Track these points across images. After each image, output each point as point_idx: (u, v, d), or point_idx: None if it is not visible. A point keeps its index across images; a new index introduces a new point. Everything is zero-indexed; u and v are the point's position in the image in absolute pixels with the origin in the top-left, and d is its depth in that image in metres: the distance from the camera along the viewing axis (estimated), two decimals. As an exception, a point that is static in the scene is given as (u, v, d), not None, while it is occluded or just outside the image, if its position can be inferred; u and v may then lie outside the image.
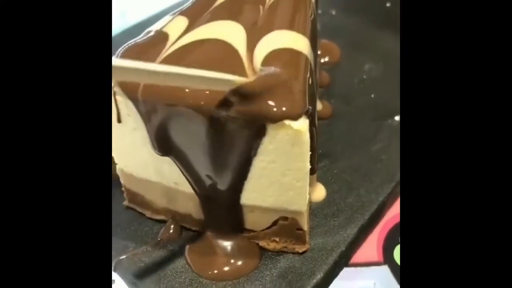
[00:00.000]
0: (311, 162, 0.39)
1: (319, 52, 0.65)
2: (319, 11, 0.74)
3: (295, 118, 0.34)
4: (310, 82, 0.38)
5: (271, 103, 0.34)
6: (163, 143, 0.38)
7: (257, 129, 0.35)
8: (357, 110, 0.59)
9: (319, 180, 0.50)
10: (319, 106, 0.58)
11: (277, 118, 0.34)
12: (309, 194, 0.47)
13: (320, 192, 0.49)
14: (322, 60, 0.67)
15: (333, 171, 0.52)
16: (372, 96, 0.61)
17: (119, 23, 0.77)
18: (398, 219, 0.48)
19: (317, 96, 0.57)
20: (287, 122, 0.34)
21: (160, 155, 0.39)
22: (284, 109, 0.34)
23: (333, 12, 0.77)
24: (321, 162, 0.52)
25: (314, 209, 0.48)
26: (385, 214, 0.49)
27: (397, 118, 0.58)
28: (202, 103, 0.35)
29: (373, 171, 0.51)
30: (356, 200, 0.48)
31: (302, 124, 0.34)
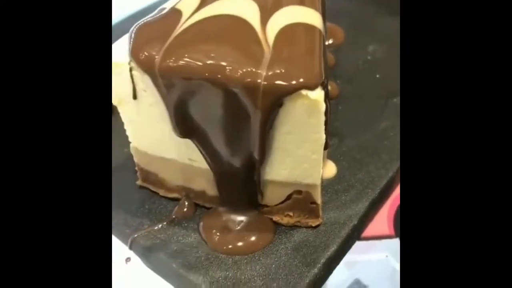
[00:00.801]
0: (325, 134, 0.40)
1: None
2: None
3: (312, 88, 0.34)
4: (324, 54, 0.38)
5: (289, 74, 0.34)
6: (181, 118, 0.38)
7: (275, 100, 0.35)
8: (363, 90, 0.60)
9: (329, 157, 0.51)
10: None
11: (295, 89, 0.34)
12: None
13: (330, 169, 0.50)
14: (326, 43, 0.68)
15: (342, 149, 0.52)
16: (377, 76, 0.62)
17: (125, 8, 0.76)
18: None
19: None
20: (304, 92, 0.34)
21: (181, 137, 0.40)
22: (301, 80, 0.34)
23: (335, -5, 0.77)
24: (330, 141, 0.53)
25: (325, 185, 0.48)
26: (395, 189, 0.49)
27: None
28: (219, 76, 0.35)
29: (381, 148, 0.52)
30: (366, 176, 0.49)
31: (319, 94, 0.35)
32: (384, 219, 0.47)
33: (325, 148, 0.42)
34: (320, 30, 0.39)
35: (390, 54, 0.64)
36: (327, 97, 0.39)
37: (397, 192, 0.49)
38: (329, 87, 0.58)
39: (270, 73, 0.35)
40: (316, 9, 0.41)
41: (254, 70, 0.35)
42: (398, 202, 0.49)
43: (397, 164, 0.50)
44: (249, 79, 0.35)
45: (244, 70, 0.35)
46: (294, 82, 0.34)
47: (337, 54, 0.66)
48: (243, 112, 0.37)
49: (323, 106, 0.35)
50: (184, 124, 0.39)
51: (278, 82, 0.34)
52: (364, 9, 0.73)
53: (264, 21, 0.39)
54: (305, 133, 0.37)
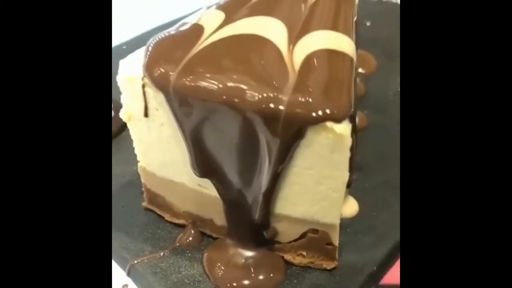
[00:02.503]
0: (350, 171, 0.37)
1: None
2: (355, 21, 0.72)
3: (338, 120, 0.31)
4: (355, 86, 0.35)
5: (313, 102, 0.31)
6: (195, 142, 0.35)
7: (296, 131, 0.32)
8: (392, 123, 0.56)
9: (351, 194, 0.47)
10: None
11: (319, 120, 0.31)
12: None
13: (352, 207, 0.46)
14: (359, 71, 0.65)
15: (365, 185, 0.49)
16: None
17: (152, 20, 0.75)
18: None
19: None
20: (329, 124, 0.31)
21: (199, 176, 0.38)
22: (327, 110, 0.31)
23: (368, 23, 0.74)
24: (353, 176, 0.49)
25: (344, 224, 0.44)
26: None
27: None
28: (236, 100, 0.32)
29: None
30: (390, 217, 0.45)
31: (346, 128, 0.31)
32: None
33: (348, 186, 0.39)
34: (351, 58, 0.36)
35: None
36: (354, 131, 0.35)
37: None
38: (357, 118, 0.55)
39: (293, 100, 0.31)
40: (349, 35, 0.38)
41: (276, 95, 0.32)
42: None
43: (424, 207, 0.46)
44: (269, 105, 0.32)
45: (265, 95, 0.32)
46: (319, 112, 0.31)
47: (367, 83, 0.63)
48: (261, 140, 0.33)
49: (349, 142, 0.32)
50: (198, 149, 0.36)
51: (301, 110, 0.31)
52: (396, 39, 0.70)
53: (291, 44, 0.36)
54: (326, 169, 0.34)
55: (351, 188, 0.48)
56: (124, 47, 0.67)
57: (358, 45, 0.49)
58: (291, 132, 0.32)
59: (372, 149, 0.52)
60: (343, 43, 0.37)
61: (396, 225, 0.44)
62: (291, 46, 0.36)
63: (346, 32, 0.38)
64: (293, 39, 0.37)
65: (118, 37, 0.70)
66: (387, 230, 0.44)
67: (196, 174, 0.38)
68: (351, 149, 0.35)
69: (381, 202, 0.47)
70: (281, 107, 0.31)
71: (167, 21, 0.71)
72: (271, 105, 0.31)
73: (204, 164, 0.37)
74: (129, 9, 0.80)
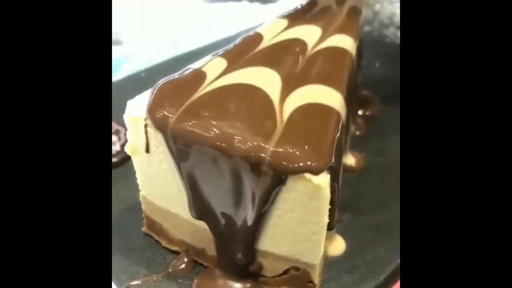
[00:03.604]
0: (330, 217, 0.39)
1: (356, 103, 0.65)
2: (363, 62, 0.74)
3: (316, 173, 0.34)
4: (338, 137, 0.38)
5: (294, 153, 0.34)
6: (190, 181, 0.39)
7: (277, 178, 0.35)
8: (390, 166, 0.58)
9: (340, 233, 0.49)
10: (351, 160, 0.58)
11: (298, 171, 0.34)
12: (326, 246, 0.47)
13: (338, 246, 0.48)
14: (360, 112, 0.67)
15: (355, 225, 0.51)
16: (407, 152, 0.60)
17: (171, 49, 0.79)
18: (415, 285, 0.47)
19: (348, 149, 0.57)
20: (307, 175, 0.34)
21: (195, 218, 0.41)
22: (308, 163, 0.34)
23: (377, 65, 0.77)
24: (344, 215, 0.51)
25: (330, 262, 0.47)
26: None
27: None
28: (226, 146, 0.35)
29: (396, 230, 0.50)
30: (374, 259, 0.47)
31: (323, 180, 0.34)
32: (386, 308, 0.45)
33: (330, 229, 0.41)
34: (338, 112, 0.38)
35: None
36: (335, 179, 0.38)
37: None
38: (354, 160, 0.58)
39: (276, 150, 0.34)
40: (339, 89, 0.41)
41: (262, 144, 0.35)
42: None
43: (408, 252, 0.48)
44: (254, 153, 0.35)
45: (252, 143, 0.35)
46: (300, 163, 0.34)
47: (369, 124, 0.65)
48: (247, 184, 0.36)
49: (326, 191, 0.35)
50: (192, 189, 0.39)
51: (282, 161, 0.34)
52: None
53: (284, 96, 0.39)
54: (305, 214, 0.37)
55: (341, 227, 0.50)
56: (143, 74, 0.72)
57: (353, 92, 0.52)
58: (273, 179, 0.35)
59: (365, 191, 0.54)
60: (332, 98, 0.40)
61: (380, 266, 0.47)
62: (283, 98, 0.39)
63: (337, 87, 0.41)
64: (286, 91, 0.40)
65: (137, 65, 0.75)
66: (370, 271, 0.46)
67: (192, 216, 0.42)
68: (333, 195, 0.38)
69: (368, 243, 0.48)
70: (265, 156, 0.34)
71: (187, 51, 0.76)
72: (256, 153, 0.35)
73: (199, 206, 0.40)
74: (149, 38, 0.85)
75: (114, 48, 0.81)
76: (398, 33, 0.84)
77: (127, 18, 0.91)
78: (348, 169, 0.57)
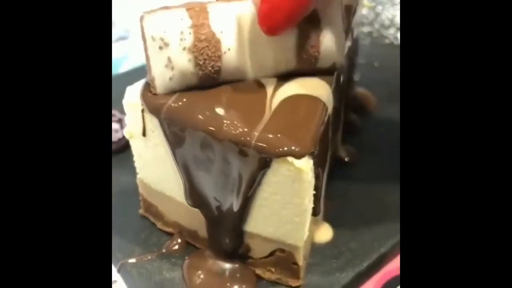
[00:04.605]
0: (314, 202, 0.41)
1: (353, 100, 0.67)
2: (362, 61, 0.76)
3: (298, 157, 0.36)
4: (324, 127, 0.40)
5: (278, 138, 0.36)
6: (184, 165, 0.42)
7: (263, 161, 0.37)
8: (381, 160, 0.60)
9: (328, 221, 0.52)
10: (344, 153, 0.60)
11: (281, 154, 0.36)
12: (314, 233, 0.49)
13: (325, 233, 0.50)
14: (356, 109, 0.69)
15: (343, 215, 0.53)
16: (398, 148, 0.62)
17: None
18: (397, 273, 0.49)
19: (341, 142, 0.59)
20: (290, 159, 0.36)
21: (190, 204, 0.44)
22: (292, 147, 0.36)
23: (376, 64, 0.78)
24: (333, 205, 0.54)
25: (317, 248, 0.49)
26: (384, 265, 0.49)
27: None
28: (216, 130, 0.38)
29: (382, 221, 0.52)
30: (358, 246, 0.49)
31: (305, 164, 0.37)
32: (368, 293, 0.47)
33: (314, 214, 0.43)
34: (324, 103, 0.40)
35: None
36: (320, 166, 0.40)
37: (386, 269, 0.49)
38: (346, 153, 0.60)
39: (262, 135, 0.37)
40: (327, 81, 0.42)
41: (249, 130, 0.37)
42: (386, 279, 0.48)
43: (391, 241, 0.50)
44: (243, 137, 0.37)
45: (240, 129, 0.37)
46: (283, 148, 0.36)
47: (364, 120, 0.67)
48: (236, 167, 0.39)
49: (308, 175, 0.37)
50: (186, 174, 0.42)
51: (266, 145, 0.36)
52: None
53: (277, 88, 0.41)
54: (289, 196, 0.39)
55: (330, 216, 0.52)
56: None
57: (352, 85, 0.54)
58: (259, 162, 0.37)
59: (356, 183, 0.56)
60: (320, 89, 0.42)
61: (364, 254, 0.49)
62: (276, 90, 0.41)
63: (326, 79, 0.43)
64: (280, 83, 0.41)
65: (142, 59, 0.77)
66: (354, 258, 0.48)
67: (188, 204, 0.44)
68: (317, 181, 0.40)
69: (353, 232, 0.51)
70: (251, 140, 0.37)
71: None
72: (244, 138, 0.37)
73: (194, 194, 0.43)
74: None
75: (121, 43, 0.85)
76: (398, 34, 0.86)
77: (134, 15, 0.94)
78: (341, 162, 0.59)
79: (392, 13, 0.91)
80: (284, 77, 0.42)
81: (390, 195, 0.55)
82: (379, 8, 0.92)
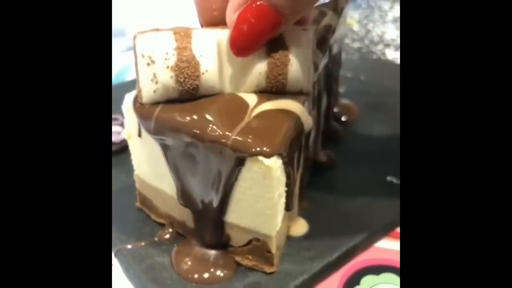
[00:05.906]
0: (287, 198, 0.48)
1: (337, 110, 0.73)
2: (349, 75, 0.82)
3: (268, 156, 0.43)
4: (295, 133, 0.46)
5: (251, 141, 0.43)
6: (174, 165, 0.48)
7: (238, 160, 0.44)
8: (360, 164, 0.66)
9: (305, 218, 0.57)
10: (323, 157, 0.66)
11: (253, 154, 0.43)
12: (290, 227, 0.55)
13: (301, 228, 0.56)
14: (342, 119, 0.75)
15: (320, 213, 0.58)
16: (377, 155, 0.68)
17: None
18: (364, 265, 0.54)
19: (320, 148, 0.65)
20: (260, 158, 0.43)
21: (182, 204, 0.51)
22: (264, 148, 0.43)
23: (361, 78, 0.84)
24: (312, 204, 0.59)
25: (292, 241, 0.55)
26: (354, 257, 0.55)
27: (396, 180, 0.64)
28: (198, 132, 0.44)
29: (354, 220, 0.58)
30: (330, 240, 0.55)
31: (273, 163, 0.43)
32: (335, 282, 0.53)
33: (288, 209, 0.49)
34: (298, 116, 0.46)
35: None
36: (290, 165, 0.46)
37: (355, 261, 0.55)
38: (326, 157, 0.66)
39: (237, 138, 0.43)
40: (300, 101, 0.48)
41: (227, 133, 0.43)
42: (353, 270, 0.54)
43: (360, 237, 0.55)
44: (221, 139, 0.43)
45: (220, 132, 0.44)
46: (255, 149, 0.43)
47: (346, 129, 0.73)
48: (216, 165, 0.45)
49: (276, 172, 0.43)
50: (176, 173, 0.49)
51: (240, 146, 0.43)
52: (386, 92, 0.79)
53: (259, 103, 0.47)
54: (261, 191, 0.45)
55: (307, 214, 0.58)
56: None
57: (336, 96, 0.60)
58: (235, 160, 0.44)
59: (335, 185, 0.62)
60: (297, 108, 0.47)
61: (335, 246, 0.54)
62: (258, 105, 0.47)
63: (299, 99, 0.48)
64: (262, 100, 0.47)
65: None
66: (326, 250, 0.54)
67: (180, 204, 0.50)
68: (289, 179, 0.46)
69: (328, 228, 0.56)
70: (227, 141, 0.43)
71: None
72: (222, 139, 0.43)
73: (185, 194, 0.49)
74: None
75: (130, 53, 0.92)
76: (386, 50, 0.92)
77: (132, 11, 0.99)
78: (321, 166, 0.65)
79: (382, 30, 0.97)
80: (266, 98, 0.48)
81: (364, 197, 0.61)
82: (370, 25, 0.99)
